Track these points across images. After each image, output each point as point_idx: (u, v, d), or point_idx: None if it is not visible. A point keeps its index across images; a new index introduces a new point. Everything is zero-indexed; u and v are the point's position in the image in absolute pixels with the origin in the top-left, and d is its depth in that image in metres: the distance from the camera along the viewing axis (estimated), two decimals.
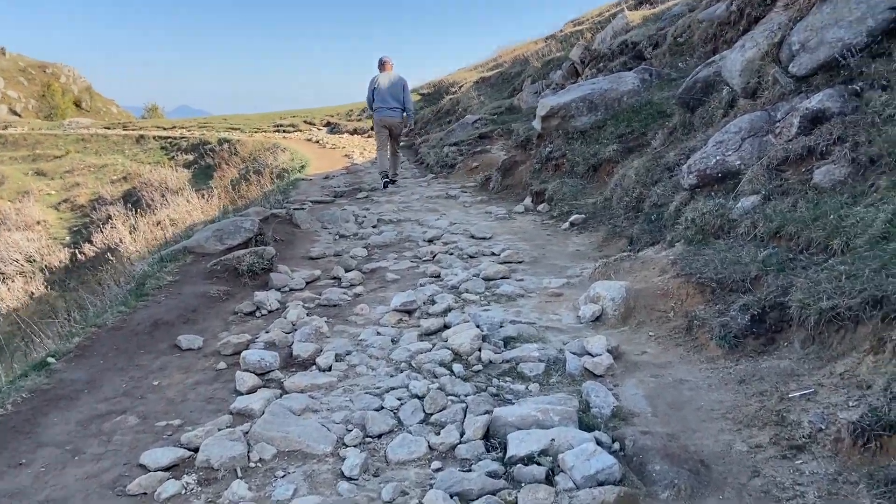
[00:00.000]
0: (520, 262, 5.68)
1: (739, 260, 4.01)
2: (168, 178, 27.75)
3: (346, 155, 18.99)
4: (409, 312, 4.43)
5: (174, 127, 40.61)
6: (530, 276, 5.23)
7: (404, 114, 10.94)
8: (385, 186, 10.88)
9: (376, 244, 6.60)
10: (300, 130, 32.13)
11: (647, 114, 8.56)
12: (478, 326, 3.96)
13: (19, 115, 69.30)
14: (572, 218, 6.98)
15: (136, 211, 21.56)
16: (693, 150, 6.15)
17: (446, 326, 4.09)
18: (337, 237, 7.09)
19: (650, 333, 3.77)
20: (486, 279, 5.09)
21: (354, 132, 28.24)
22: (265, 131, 34.17)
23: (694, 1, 13.91)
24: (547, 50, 22.73)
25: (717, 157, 5.03)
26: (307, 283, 5.39)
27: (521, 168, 9.68)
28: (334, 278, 5.49)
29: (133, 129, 41.81)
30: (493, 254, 6.01)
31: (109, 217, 24.80)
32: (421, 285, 5.03)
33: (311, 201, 10.07)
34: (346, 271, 5.61)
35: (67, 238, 27.43)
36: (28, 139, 42.23)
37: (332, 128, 31.13)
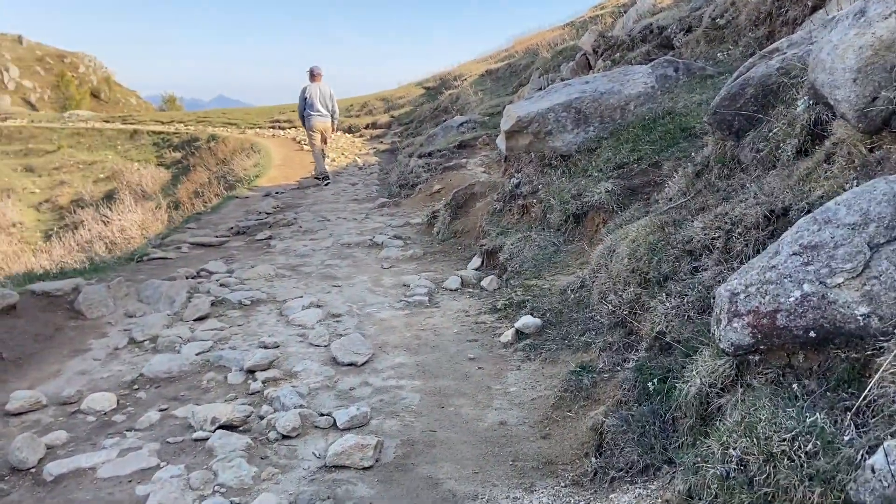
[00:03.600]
0: (367, 469, 2.69)
1: None
2: (144, 181, 25.26)
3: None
4: None
5: (171, 121, 38.12)
6: None
7: (332, 119, 11.90)
8: (326, 184, 11.84)
9: (155, 375, 3.65)
10: (295, 127, 29.37)
11: (664, 131, 5.49)
12: None
13: (34, 106, 68.09)
14: (522, 322, 3.96)
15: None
16: (739, 224, 3.10)
17: None
18: (126, 342, 4.18)
19: None
20: None
21: (348, 130, 25.38)
22: (260, 127, 31.61)
23: None
24: (561, 38, 19.56)
25: (807, 288, 1.97)
26: None
27: (479, 204, 6.65)
28: None
29: (130, 124, 39.48)
30: (335, 425, 3.02)
31: (82, 222, 22.32)
32: None
33: (192, 244, 7.24)
34: None
35: (40, 242, 25.08)
36: (23, 132, 40.19)
37: None
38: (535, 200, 5.73)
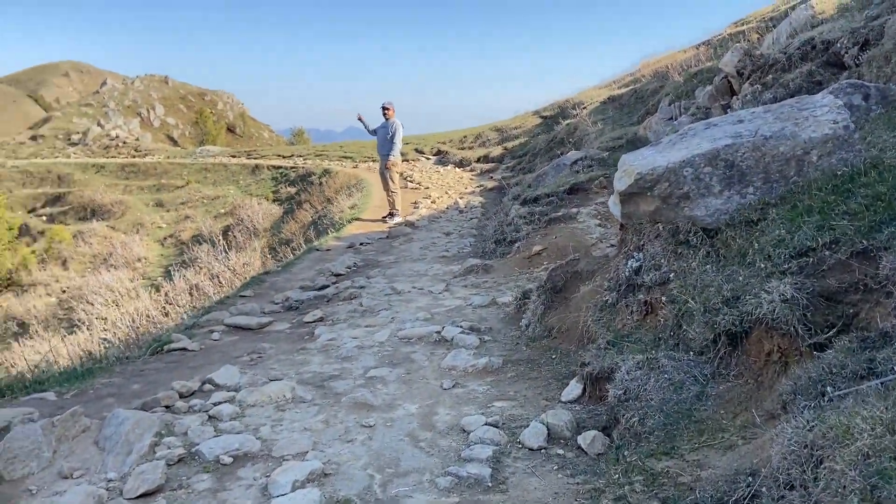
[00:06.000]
0: None
1: None
2: (256, 218, 25.11)
3: (415, 202, 14.74)
4: None
5: (291, 155, 38.54)
6: None
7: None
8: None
9: None
10: (408, 160, 28.42)
11: (871, 196, 3.49)
12: None
13: (176, 142, 72.66)
14: None
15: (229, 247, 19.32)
16: None
17: None
18: None
19: None
20: None
21: (459, 164, 24.07)
22: (374, 160, 30.99)
23: None
24: (695, 59, 17.27)
25: None
26: None
27: (584, 289, 4.83)
28: None
29: (253, 158, 40.39)
30: None
31: (196, 258, 22.27)
32: None
33: (228, 326, 5.94)
34: None
35: (160, 278, 25.45)
36: (157, 168, 42.20)
37: (441, 157, 27.14)
38: (663, 298, 3.88)
